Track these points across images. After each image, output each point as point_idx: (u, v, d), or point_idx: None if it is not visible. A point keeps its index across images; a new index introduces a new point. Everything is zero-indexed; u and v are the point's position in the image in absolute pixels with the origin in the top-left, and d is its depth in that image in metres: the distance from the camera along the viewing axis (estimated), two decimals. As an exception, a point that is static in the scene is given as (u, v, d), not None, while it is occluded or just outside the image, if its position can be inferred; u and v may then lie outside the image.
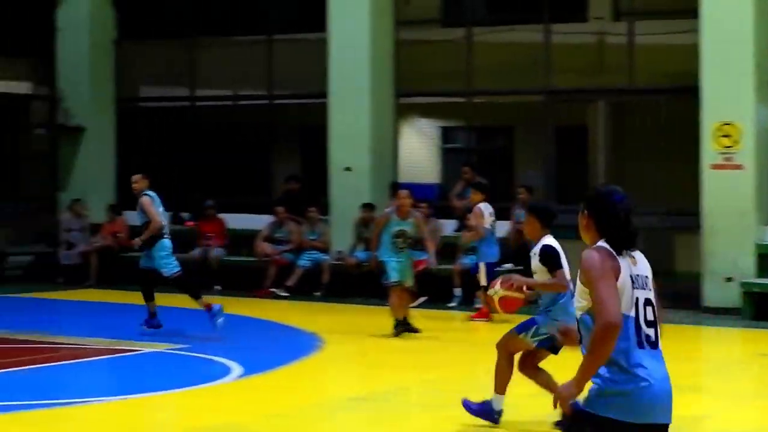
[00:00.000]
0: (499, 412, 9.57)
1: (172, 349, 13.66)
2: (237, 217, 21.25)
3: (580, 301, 5.41)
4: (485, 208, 16.51)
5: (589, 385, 5.29)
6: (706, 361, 14.65)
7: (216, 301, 14.99)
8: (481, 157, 21.88)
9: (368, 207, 19.26)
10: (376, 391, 11.32)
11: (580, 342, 5.44)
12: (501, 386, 9.50)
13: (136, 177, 15.31)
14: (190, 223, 21.94)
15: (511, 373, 9.51)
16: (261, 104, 22.50)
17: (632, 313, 5.33)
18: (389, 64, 20.46)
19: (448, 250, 18.42)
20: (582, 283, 5.39)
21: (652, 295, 5.43)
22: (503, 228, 18.87)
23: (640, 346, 5.31)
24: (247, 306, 18.11)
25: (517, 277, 9.58)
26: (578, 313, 5.42)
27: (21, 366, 12.67)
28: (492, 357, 9.55)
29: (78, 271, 21.68)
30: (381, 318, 15.22)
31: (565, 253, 9.40)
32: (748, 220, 17.35)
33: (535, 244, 9.50)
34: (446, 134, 24.65)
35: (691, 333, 15.91)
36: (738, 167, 17.31)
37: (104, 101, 23.34)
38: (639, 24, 19.35)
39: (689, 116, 17.73)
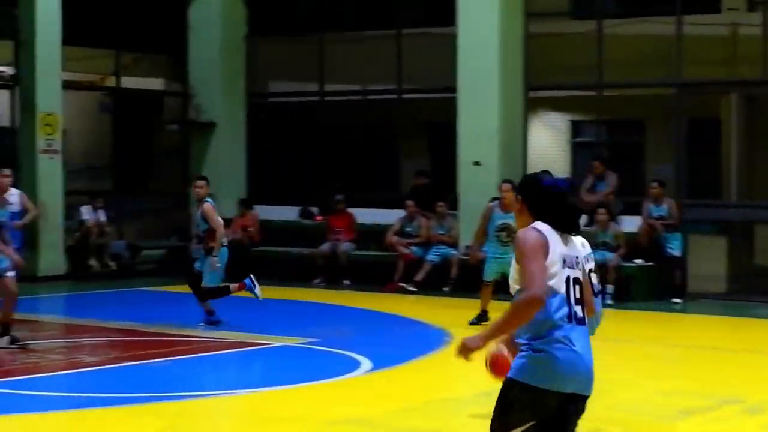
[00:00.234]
0: None
1: (302, 344, 13.74)
2: (365, 212, 21.31)
3: (515, 278, 5.76)
4: None
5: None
6: None
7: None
8: (612, 151, 21.62)
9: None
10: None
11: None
12: None
13: (200, 182, 15.34)
14: (320, 218, 22.08)
15: None
16: (390, 99, 22.52)
17: (562, 290, 5.69)
18: (519, 57, 20.32)
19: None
20: (516, 261, 5.75)
21: (581, 275, 5.81)
22: (634, 223, 18.65)
23: (568, 321, 5.68)
24: (376, 300, 18.15)
25: None
26: (514, 289, 5.76)
27: (154, 358, 12.85)
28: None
29: (209, 265, 21.97)
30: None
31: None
32: None
33: None
34: (576, 128, 24.43)
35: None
36: None
37: (235, 97, 23.60)
38: (774, 14, 18.94)
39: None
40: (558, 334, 5.63)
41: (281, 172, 23.88)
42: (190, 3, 23.56)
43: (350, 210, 21.24)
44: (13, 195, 16.56)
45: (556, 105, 23.77)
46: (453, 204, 20.16)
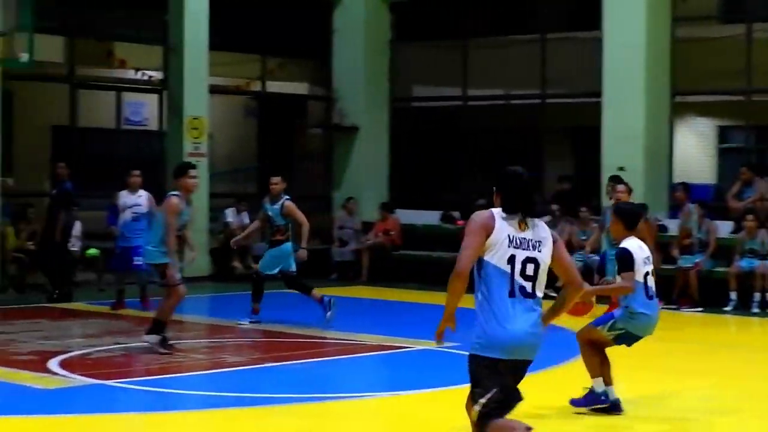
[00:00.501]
0: (604, 393, 9.75)
1: (442, 348, 13.69)
2: (507, 217, 21.19)
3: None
4: None
5: None
6: None
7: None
8: (760, 157, 21.17)
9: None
10: (643, 395, 11.06)
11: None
12: (594, 371, 9.79)
13: (275, 179, 15.35)
14: (461, 222, 22.03)
15: (600, 357, 9.78)
16: (533, 104, 22.40)
17: (506, 267, 6.39)
18: (666, 62, 20.05)
19: (724, 252, 17.91)
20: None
21: (540, 256, 6.45)
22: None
23: (512, 295, 6.41)
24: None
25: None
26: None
27: (295, 360, 12.94)
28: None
29: (350, 268, 22.10)
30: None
31: None
32: None
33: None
34: (723, 133, 24.02)
35: None
36: None
37: (378, 101, 23.71)
38: None
39: None
40: (502, 307, 6.42)
41: (423, 176, 23.91)
42: (335, 8, 23.74)
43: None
44: (142, 196, 16.83)
45: (703, 110, 23.41)
46: (596, 210, 19.94)
